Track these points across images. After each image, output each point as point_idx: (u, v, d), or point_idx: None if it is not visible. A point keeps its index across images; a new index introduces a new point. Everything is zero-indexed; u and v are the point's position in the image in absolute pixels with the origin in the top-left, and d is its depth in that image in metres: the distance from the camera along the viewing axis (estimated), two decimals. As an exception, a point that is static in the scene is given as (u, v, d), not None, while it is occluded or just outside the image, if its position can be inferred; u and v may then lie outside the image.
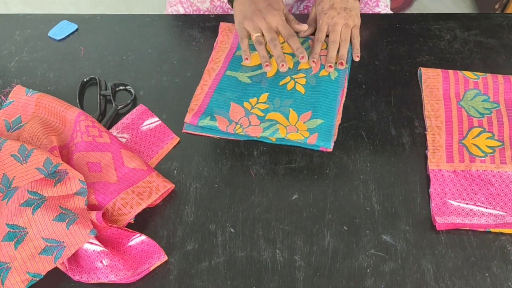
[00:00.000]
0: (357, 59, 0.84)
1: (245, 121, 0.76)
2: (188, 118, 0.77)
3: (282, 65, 0.81)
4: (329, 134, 0.75)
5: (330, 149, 0.74)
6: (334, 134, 0.75)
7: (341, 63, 0.82)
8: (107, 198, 0.68)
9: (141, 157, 0.73)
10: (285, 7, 0.88)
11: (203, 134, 0.76)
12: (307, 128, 0.75)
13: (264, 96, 0.79)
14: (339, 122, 0.77)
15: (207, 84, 0.81)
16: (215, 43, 0.87)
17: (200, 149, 0.76)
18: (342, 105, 0.79)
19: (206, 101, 0.79)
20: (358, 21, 0.88)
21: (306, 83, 0.81)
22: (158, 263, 0.64)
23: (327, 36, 0.86)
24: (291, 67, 0.83)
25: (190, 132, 0.76)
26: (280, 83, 0.81)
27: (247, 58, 0.83)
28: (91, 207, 0.67)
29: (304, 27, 0.87)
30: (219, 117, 0.76)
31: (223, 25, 0.90)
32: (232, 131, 0.75)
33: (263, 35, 0.84)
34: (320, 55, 0.85)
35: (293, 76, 0.82)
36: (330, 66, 0.82)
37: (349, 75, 0.83)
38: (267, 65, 0.82)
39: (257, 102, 0.78)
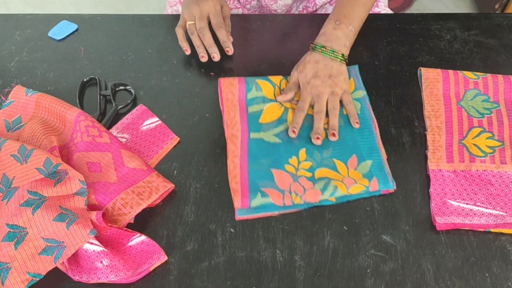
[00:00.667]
0: (357, 126, 0.76)
1: (298, 187, 0.69)
2: (238, 203, 0.68)
3: (213, 55, 0.82)
4: (385, 174, 0.70)
5: (393, 190, 0.70)
6: (389, 171, 0.71)
7: (333, 134, 0.75)
8: (107, 198, 0.68)
9: (141, 157, 0.73)
10: (228, 9, 0.87)
11: (260, 215, 0.68)
12: (362, 176, 0.70)
13: (302, 153, 0.73)
14: (386, 156, 0.73)
15: (236, 155, 0.73)
16: (220, 102, 0.79)
17: (200, 149, 0.76)
18: (379, 137, 0.75)
19: (245, 176, 0.71)
20: (346, 86, 0.80)
21: None
22: (158, 263, 0.64)
23: (312, 106, 0.79)
24: (311, 113, 0.77)
25: (245, 217, 0.68)
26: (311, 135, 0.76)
27: (186, 50, 0.83)
28: (91, 207, 0.67)
29: (230, 39, 0.85)
30: (269, 190, 0.68)
31: (223, 81, 0.81)
32: (290, 203, 0.68)
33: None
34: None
35: None
36: (318, 138, 0.74)
37: (371, 104, 0.79)
38: (202, 56, 0.82)
39: (299, 162, 0.72)
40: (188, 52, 0.82)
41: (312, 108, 0.78)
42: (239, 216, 0.68)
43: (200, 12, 0.83)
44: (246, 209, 0.68)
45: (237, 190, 0.69)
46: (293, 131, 0.75)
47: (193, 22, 0.83)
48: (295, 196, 0.68)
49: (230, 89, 0.80)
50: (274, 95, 0.80)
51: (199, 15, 0.83)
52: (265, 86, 0.81)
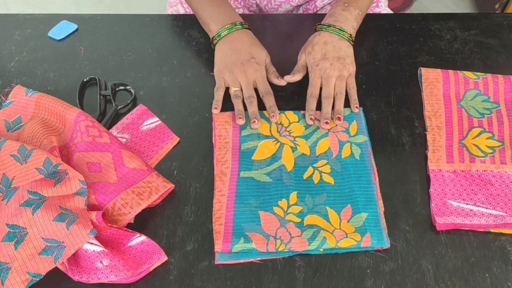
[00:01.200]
0: (356, 110, 0.77)
1: (284, 234, 0.65)
2: (218, 247, 0.65)
3: (254, 121, 0.75)
4: (379, 230, 0.66)
5: (387, 247, 0.66)
6: (385, 226, 0.67)
7: (338, 118, 0.75)
8: (107, 198, 0.68)
9: (141, 157, 0.73)
10: (268, 57, 0.82)
11: (241, 261, 0.65)
12: (355, 230, 0.66)
13: (293, 196, 0.69)
14: (383, 209, 0.69)
15: (223, 194, 0.70)
16: (213, 137, 0.76)
17: (200, 149, 0.76)
18: (378, 188, 0.71)
19: (230, 218, 0.67)
20: (353, 69, 0.81)
21: (332, 170, 0.72)
22: (158, 263, 0.64)
23: (321, 88, 0.79)
24: (307, 154, 0.74)
25: (224, 262, 0.64)
26: (305, 177, 0.71)
27: (216, 108, 0.77)
28: (91, 207, 0.67)
29: (282, 83, 0.80)
30: (253, 235, 0.65)
31: (217, 117, 0.78)
32: (274, 250, 0.64)
33: (241, 89, 0.79)
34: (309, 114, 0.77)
35: (315, 166, 0.73)
36: (326, 123, 0.75)
37: (373, 151, 0.75)
38: (240, 118, 0.76)
39: (289, 206, 0.68)
40: (216, 111, 0.78)
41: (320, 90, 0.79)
42: (218, 261, 0.64)
43: (247, 80, 0.79)
44: (227, 253, 0.65)
45: (220, 233, 0.66)
46: (311, 119, 0.76)
47: (238, 89, 0.79)
48: (280, 243, 0.65)
49: (224, 126, 0.77)
50: (271, 131, 0.77)
51: (246, 82, 0.79)
52: (261, 123, 0.77)
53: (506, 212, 0.68)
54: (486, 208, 0.68)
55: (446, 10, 2.02)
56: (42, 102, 0.76)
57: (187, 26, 0.93)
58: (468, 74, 0.82)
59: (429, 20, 0.93)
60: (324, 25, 0.82)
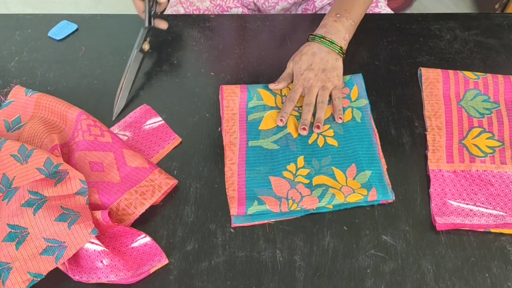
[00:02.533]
0: (339, 121, 0.77)
1: (295, 194, 0.69)
2: (234, 210, 0.68)
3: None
4: (384, 185, 0.70)
5: (391, 200, 0.69)
6: (389, 182, 0.70)
7: (317, 126, 0.75)
8: (110, 199, 0.68)
9: (143, 155, 0.73)
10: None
11: (256, 223, 0.68)
12: (361, 186, 0.70)
13: (300, 160, 0.73)
14: (386, 167, 0.72)
15: (234, 162, 0.73)
16: (221, 109, 0.79)
17: (200, 149, 0.76)
18: (380, 147, 0.74)
19: (243, 183, 0.71)
20: (338, 82, 0.80)
21: (335, 134, 0.76)
22: (159, 266, 0.64)
23: (302, 97, 0.80)
24: (311, 121, 0.77)
25: (240, 225, 0.67)
26: (310, 142, 0.75)
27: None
28: (94, 207, 0.67)
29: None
30: (266, 198, 0.69)
31: (225, 89, 0.81)
32: (287, 209, 0.68)
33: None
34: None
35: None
36: (304, 129, 0.75)
37: (373, 116, 0.78)
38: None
39: (297, 169, 0.72)
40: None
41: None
42: (235, 224, 0.67)
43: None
44: (242, 216, 0.68)
45: (234, 198, 0.69)
46: (281, 120, 0.77)
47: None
48: (292, 202, 0.68)
49: (231, 97, 0.80)
50: (276, 103, 0.80)
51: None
52: (266, 95, 0.81)
53: (506, 212, 0.68)
54: (486, 208, 0.68)
55: (446, 10, 2.02)
56: (42, 102, 0.76)
57: (187, 26, 0.93)
58: (468, 74, 0.82)
59: (429, 20, 0.93)
60: (316, 36, 0.82)
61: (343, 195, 0.68)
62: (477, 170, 0.71)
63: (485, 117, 0.77)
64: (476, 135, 0.75)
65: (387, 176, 0.71)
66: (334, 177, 0.71)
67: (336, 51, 0.81)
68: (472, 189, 0.70)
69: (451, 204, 0.69)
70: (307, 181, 0.71)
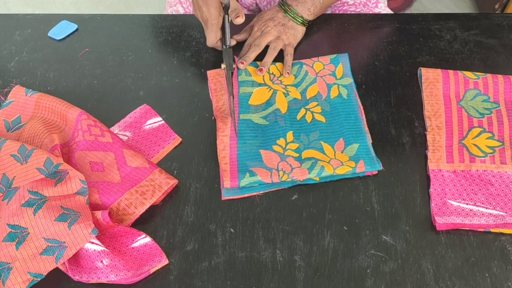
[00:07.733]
0: (287, 75, 0.81)
1: (285, 166, 0.71)
2: (227, 183, 0.70)
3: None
4: (371, 157, 0.72)
5: (376, 172, 0.72)
6: (375, 155, 0.73)
7: (260, 70, 0.81)
8: (111, 199, 0.68)
9: (143, 155, 0.73)
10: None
11: (247, 195, 0.70)
12: (349, 158, 0.72)
13: (290, 135, 0.75)
14: (372, 141, 0.75)
15: (226, 135, 0.75)
16: (210, 93, 0.82)
17: (200, 150, 0.76)
18: (366, 123, 0.77)
19: (234, 157, 0.73)
20: (294, 41, 0.86)
21: (322, 110, 0.79)
22: (159, 266, 0.64)
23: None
24: (299, 98, 0.80)
25: (230, 198, 0.70)
26: (298, 117, 0.78)
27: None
28: (94, 207, 0.68)
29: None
30: (258, 170, 0.71)
31: (210, 73, 0.84)
32: (278, 180, 0.70)
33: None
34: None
35: (307, 107, 0.79)
36: (242, 63, 0.81)
37: (358, 93, 0.81)
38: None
39: (286, 143, 0.74)
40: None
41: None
42: (225, 197, 0.70)
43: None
44: (233, 189, 0.70)
45: (226, 171, 0.71)
46: (242, 63, 0.81)
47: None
48: (282, 173, 0.70)
49: (218, 79, 0.83)
50: (264, 79, 0.83)
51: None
52: (254, 71, 0.83)
53: (506, 212, 0.68)
54: (486, 208, 0.68)
55: (446, 10, 2.02)
56: (42, 102, 0.76)
57: (187, 26, 0.93)
58: (468, 74, 0.82)
59: (429, 20, 0.93)
60: (284, 3, 0.87)
61: (332, 168, 0.71)
62: (477, 170, 0.71)
63: (485, 117, 0.77)
64: (476, 135, 0.75)
65: (373, 150, 0.74)
66: (322, 151, 0.74)
67: (296, 22, 0.86)
68: (472, 189, 0.70)
69: (451, 204, 0.69)
70: (296, 154, 0.73)
